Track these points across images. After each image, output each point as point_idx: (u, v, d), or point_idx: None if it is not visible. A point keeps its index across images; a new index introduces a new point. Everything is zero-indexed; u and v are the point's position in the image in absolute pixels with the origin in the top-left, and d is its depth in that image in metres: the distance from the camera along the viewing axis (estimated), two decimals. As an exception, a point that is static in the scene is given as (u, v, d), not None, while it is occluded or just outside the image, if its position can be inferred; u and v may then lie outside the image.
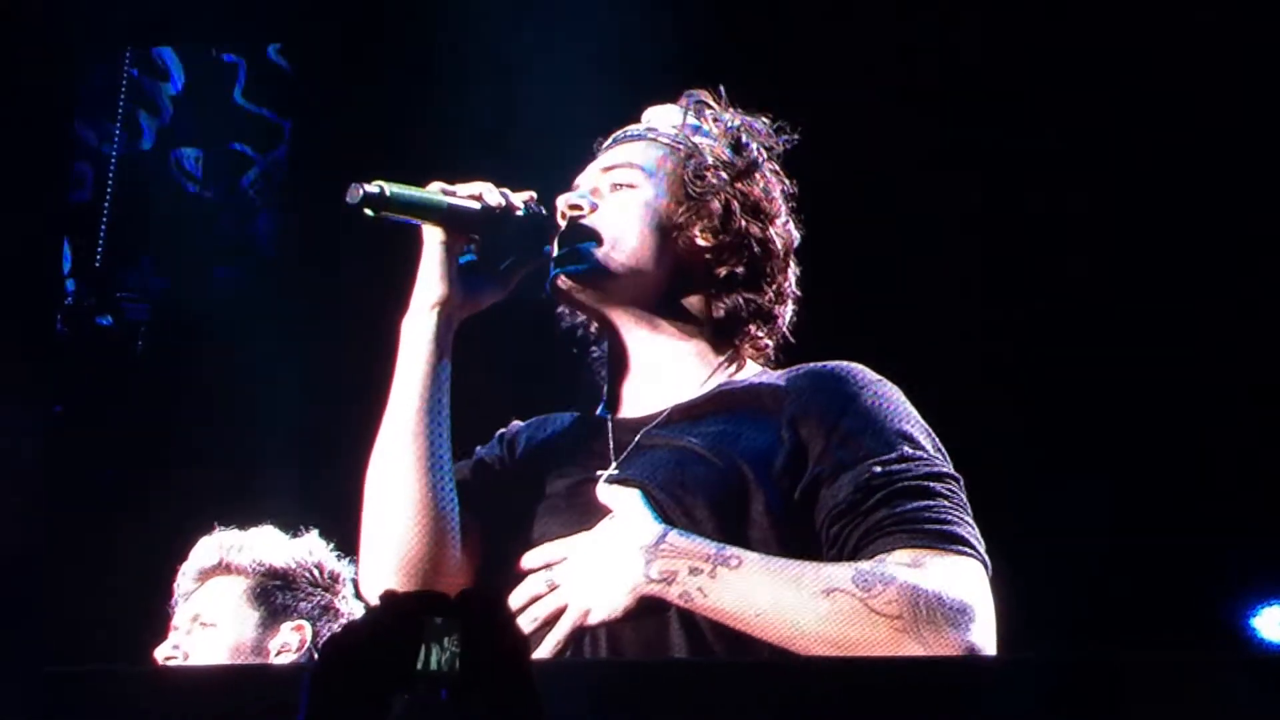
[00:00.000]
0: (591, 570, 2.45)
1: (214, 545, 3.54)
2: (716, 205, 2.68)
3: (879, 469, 2.44)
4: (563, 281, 2.66)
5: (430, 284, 2.61)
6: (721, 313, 2.69)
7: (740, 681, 1.99)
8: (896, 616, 2.31)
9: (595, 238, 2.66)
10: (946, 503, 2.45)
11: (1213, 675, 1.88)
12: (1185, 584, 4.84)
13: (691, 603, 2.39)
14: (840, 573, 2.37)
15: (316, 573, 3.54)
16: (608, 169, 2.74)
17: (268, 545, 3.55)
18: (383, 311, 5.12)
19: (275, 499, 4.68)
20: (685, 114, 2.78)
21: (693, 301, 2.70)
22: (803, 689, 1.93)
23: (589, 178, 2.76)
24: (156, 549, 3.86)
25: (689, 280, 2.70)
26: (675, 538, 2.43)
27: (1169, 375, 4.78)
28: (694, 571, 2.39)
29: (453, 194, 2.59)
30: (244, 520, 3.64)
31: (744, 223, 2.69)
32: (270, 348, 5.17)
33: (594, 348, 2.83)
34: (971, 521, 2.47)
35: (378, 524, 2.58)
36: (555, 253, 2.67)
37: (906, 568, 2.36)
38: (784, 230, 2.75)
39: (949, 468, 2.51)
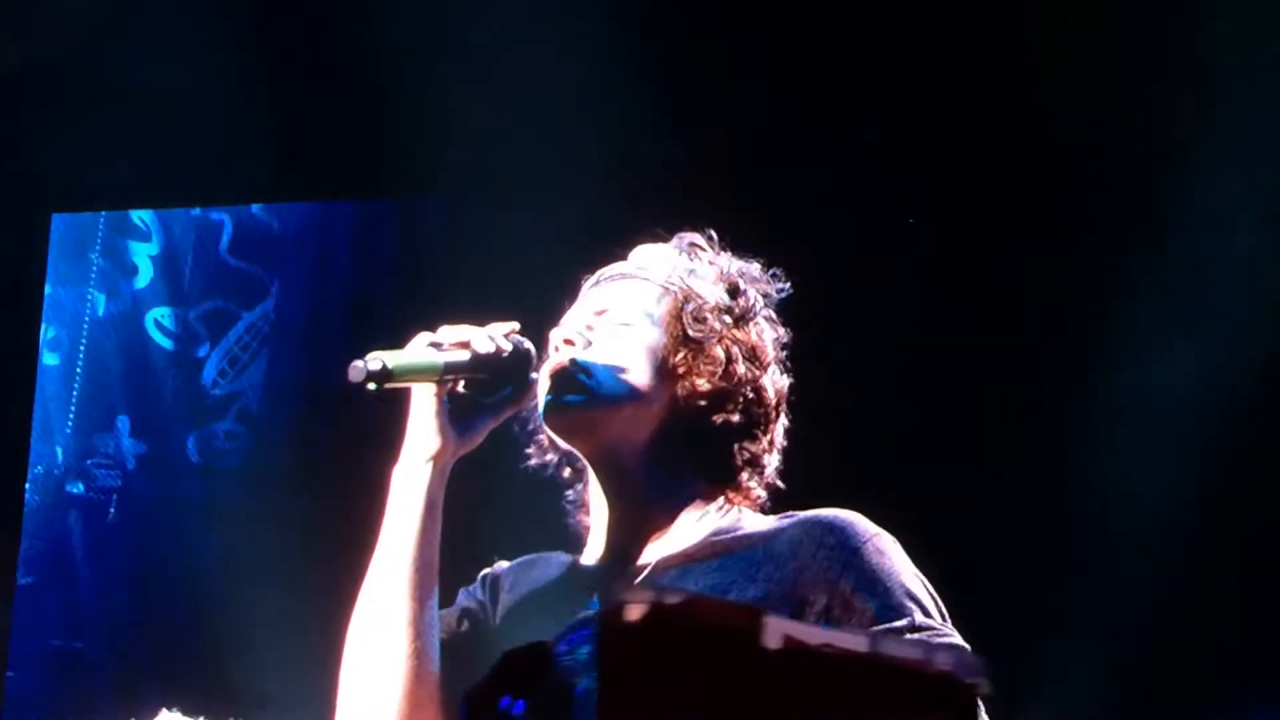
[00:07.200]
0: None
1: None
2: (717, 352, 2.60)
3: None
4: (558, 412, 2.56)
5: (424, 436, 2.54)
6: (716, 461, 2.59)
7: None
8: None
9: (591, 371, 2.57)
10: None
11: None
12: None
13: None
14: None
15: None
16: (601, 311, 2.64)
17: None
18: (376, 471, 5.00)
19: (255, 674, 4.50)
20: (679, 255, 2.70)
21: (685, 448, 2.59)
22: None
23: (579, 317, 2.66)
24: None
25: (683, 425, 2.59)
26: None
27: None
28: None
29: (441, 345, 2.52)
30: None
31: (742, 370, 2.61)
32: (256, 510, 5.02)
33: (568, 490, 2.72)
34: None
35: (358, 688, 2.47)
36: (549, 385, 2.57)
37: None
38: (777, 379, 2.66)
39: (956, 636, 2.39)
